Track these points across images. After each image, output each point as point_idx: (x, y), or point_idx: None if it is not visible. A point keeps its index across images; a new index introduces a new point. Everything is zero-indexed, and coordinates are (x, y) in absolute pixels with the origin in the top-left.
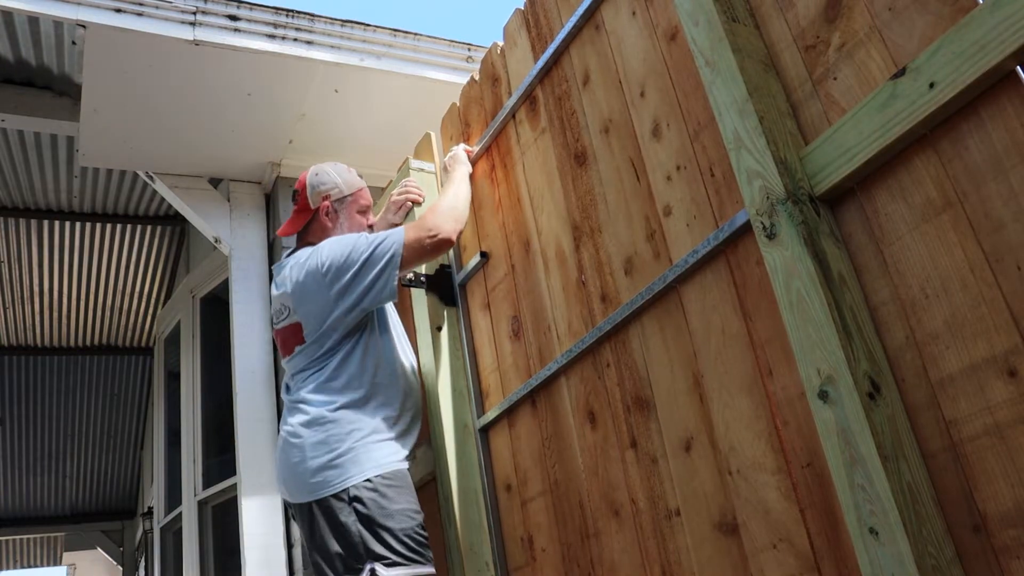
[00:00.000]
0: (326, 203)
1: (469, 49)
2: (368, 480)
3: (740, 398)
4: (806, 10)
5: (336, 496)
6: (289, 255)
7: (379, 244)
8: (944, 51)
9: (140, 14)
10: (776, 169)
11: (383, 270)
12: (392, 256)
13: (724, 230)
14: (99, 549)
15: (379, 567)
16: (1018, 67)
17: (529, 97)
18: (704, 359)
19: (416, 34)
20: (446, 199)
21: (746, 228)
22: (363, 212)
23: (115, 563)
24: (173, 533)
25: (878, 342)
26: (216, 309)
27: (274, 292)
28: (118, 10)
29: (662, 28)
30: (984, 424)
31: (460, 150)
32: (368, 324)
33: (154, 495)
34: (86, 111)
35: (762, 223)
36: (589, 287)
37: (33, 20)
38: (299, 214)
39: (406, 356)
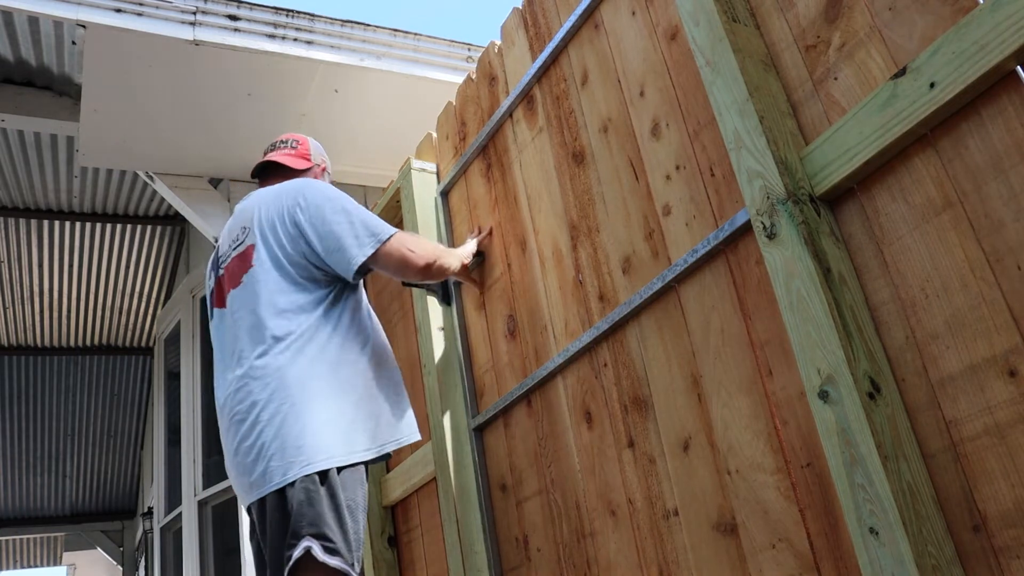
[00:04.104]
0: (323, 167)
1: (469, 49)
2: (331, 468)
3: (739, 398)
4: (806, 10)
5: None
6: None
7: (372, 221)
8: (944, 51)
9: (140, 14)
10: (776, 169)
11: (359, 242)
12: (374, 236)
13: (724, 230)
14: (99, 549)
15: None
16: (1018, 67)
17: (527, 96)
18: (703, 359)
19: (416, 34)
20: (440, 253)
21: (746, 228)
22: None
23: (115, 563)
24: (173, 533)
25: (878, 342)
26: None
27: (234, 219)
28: (118, 10)
29: (662, 28)
30: (984, 424)
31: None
32: (350, 295)
33: (154, 495)
34: (86, 111)
35: (762, 223)
36: (586, 286)
37: (33, 20)
38: (298, 158)
39: (386, 343)
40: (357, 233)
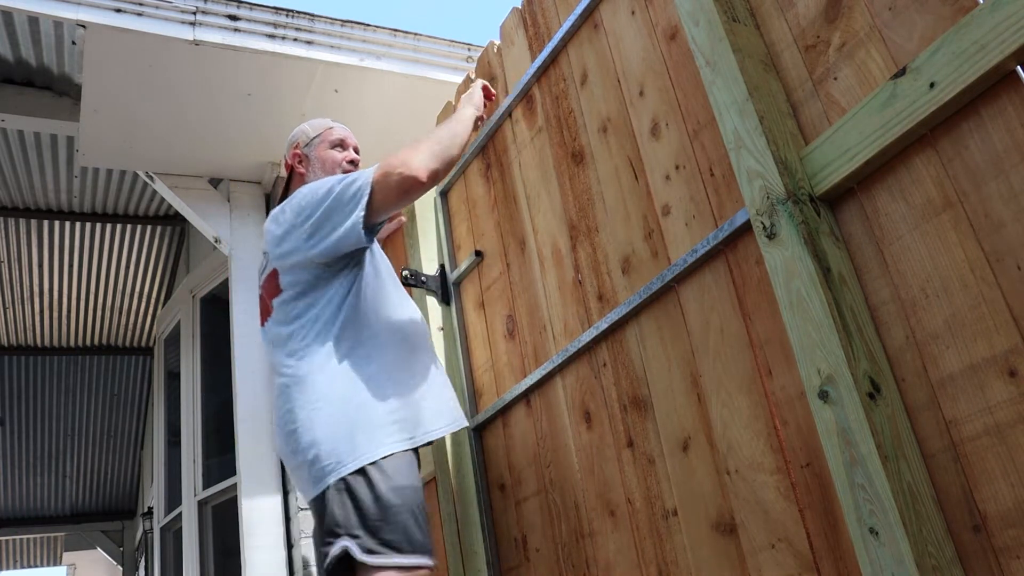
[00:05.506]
0: (296, 151)
1: (469, 49)
2: (365, 465)
3: (739, 398)
4: (806, 10)
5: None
6: None
7: (350, 183)
8: (944, 51)
9: (140, 14)
10: (776, 169)
11: (349, 210)
12: (357, 194)
13: (724, 230)
14: (99, 549)
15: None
16: (1018, 67)
17: (526, 96)
18: (702, 358)
19: (416, 34)
20: (429, 134)
21: (746, 228)
22: (335, 146)
23: (115, 563)
24: (173, 533)
25: (878, 342)
26: (216, 309)
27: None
28: (118, 10)
29: (661, 27)
30: (984, 424)
31: (477, 86)
32: (356, 278)
33: (154, 495)
34: (86, 111)
35: (762, 223)
36: (586, 286)
37: (33, 20)
38: (285, 170)
39: (412, 319)
40: (342, 206)
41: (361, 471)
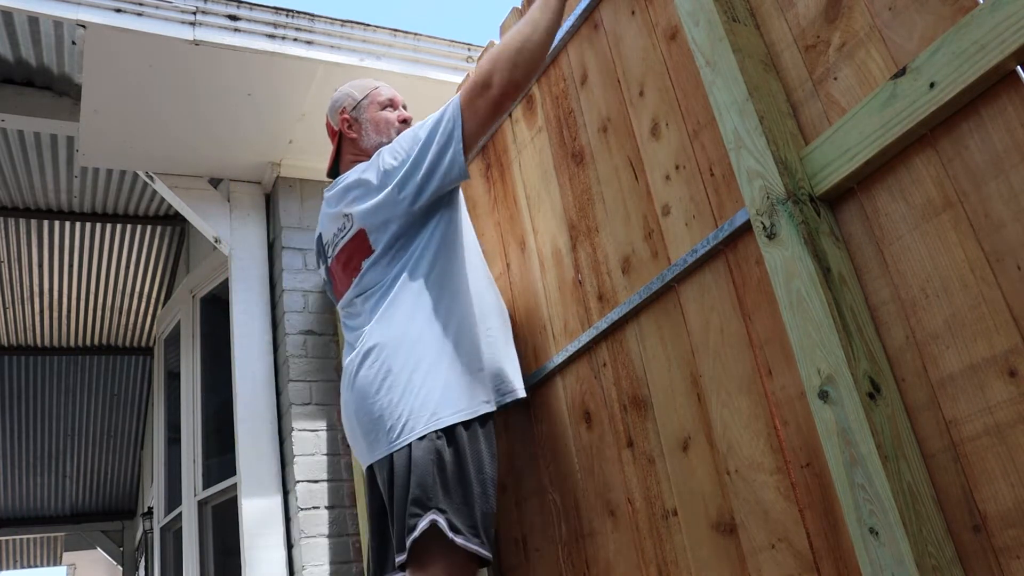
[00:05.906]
0: (344, 116)
1: (469, 49)
2: (458, 424)
3: (739, 398)
4: (806, 10)
5: (421, 439)
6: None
7: (436, 122)
8: (944, 51)
9: (140, 14)
10: (776, 169)
11: (444, 145)
12: (450, 128)
13: (724, 230)
14: (99, 549)
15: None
16: (1018, 67)
17: (526, 96)
18: (702, 358)
19: (416, 34)
20: (507, 36)
21: (746, 228)
22: (386, 107)
23: (115, 563)
24: (173, 533)
25: (878, 342)
26: (216, 309)
27: (329, 211)
28: (118, 10)
29: (661, 27)
30: (984, 424)
31: None
32: (451, 222)
33: (154, 495)
34: (86, 111)
35: (762, 223)
36: (586, 286)
37: (33, 20)
38: (333, 144)
39: (488, 277)
40: (435, 144)
41: (452, 436)
